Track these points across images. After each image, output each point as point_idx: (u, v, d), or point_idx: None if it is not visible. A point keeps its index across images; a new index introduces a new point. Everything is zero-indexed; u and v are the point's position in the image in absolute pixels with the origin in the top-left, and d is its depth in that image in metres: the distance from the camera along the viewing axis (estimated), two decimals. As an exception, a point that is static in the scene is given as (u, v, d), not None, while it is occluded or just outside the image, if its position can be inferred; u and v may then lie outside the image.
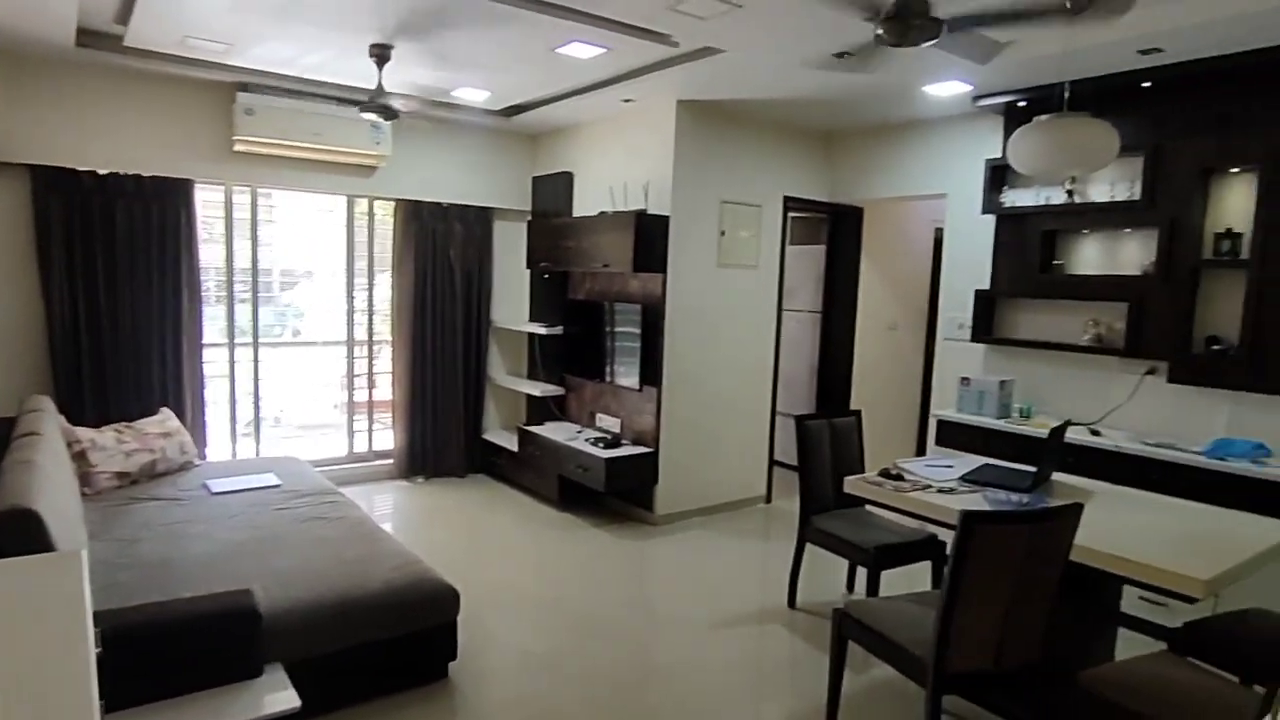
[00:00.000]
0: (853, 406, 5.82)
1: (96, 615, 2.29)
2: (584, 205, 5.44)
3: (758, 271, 5.23)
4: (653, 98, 4.62)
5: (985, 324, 4.47)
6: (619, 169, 5.12)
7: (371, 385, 5.71)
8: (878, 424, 5.92)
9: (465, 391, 5.81)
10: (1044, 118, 2.91)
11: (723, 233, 5.00)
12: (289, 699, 2.33)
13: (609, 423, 5.26)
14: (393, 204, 5.47)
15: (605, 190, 5.21)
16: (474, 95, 4.81)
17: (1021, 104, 4.11)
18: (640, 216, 4.61)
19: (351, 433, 5.69)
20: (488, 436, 5.93)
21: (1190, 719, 2.03)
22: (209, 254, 4.88)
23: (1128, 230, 3.95)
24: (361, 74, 4.32)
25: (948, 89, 4.08)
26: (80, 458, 3.69)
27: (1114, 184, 3.90)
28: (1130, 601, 2.97)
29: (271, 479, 4.00)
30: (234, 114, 4.52)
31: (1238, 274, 3.50)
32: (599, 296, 5.37)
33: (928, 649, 2.34)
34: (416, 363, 5.59)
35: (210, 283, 4.93)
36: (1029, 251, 4.27)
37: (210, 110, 4.62)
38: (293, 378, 5.55)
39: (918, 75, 3.87)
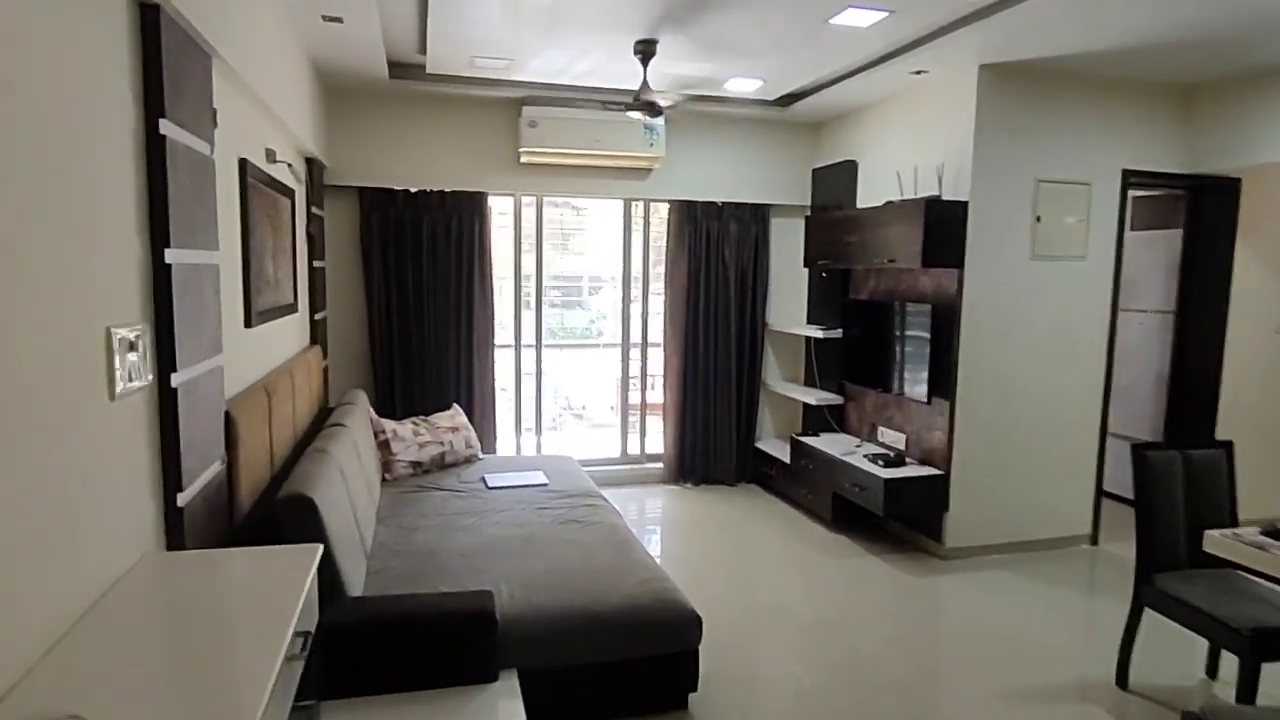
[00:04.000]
0: (1220, 433, 4.57)
1: (359, 601, 2.42)
2: (869, 195, 4.92)
3: (1085, 264, 4.30)
4: (948, 66, 4.00)
5: None
6: (908, 153, 4.53)
7: (645, 387, 5.73)
8: (1263, 458, 4.60)
9: (738, 397, 5.59)
10: None
11: (1039, 219, 4.18)
12: (514, 710, 2.25)
13: (892, 437, 4.68)
14: (667, 205, 5.44)
15: (892, 177, 4.65)
16: (745, 85, 4.56)
17: None
18: (931, 204, 4.01)
19: (625, 434, 5.76)
20: (760, 445, 5.64)
21: None
22: (501, 262, 5.23)
23: None
24: (631, 76, 4.30)
25: (1383, 1, 2.95)
26: (384, 446, 4.10)
27: None
28: None
29: (540, 477, 4.10)
30: (519, 128, 4.76)
31: None
32: (884, 296, 4.81)
33: (1343, 803, 1.59)
34: (689, 366, 5.49)
35: (503, 288, 5.29)
36: None
37: (499, 126, 4.92)
38: (578, 378, 5.78)
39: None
